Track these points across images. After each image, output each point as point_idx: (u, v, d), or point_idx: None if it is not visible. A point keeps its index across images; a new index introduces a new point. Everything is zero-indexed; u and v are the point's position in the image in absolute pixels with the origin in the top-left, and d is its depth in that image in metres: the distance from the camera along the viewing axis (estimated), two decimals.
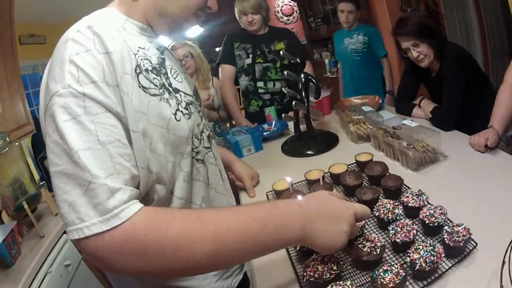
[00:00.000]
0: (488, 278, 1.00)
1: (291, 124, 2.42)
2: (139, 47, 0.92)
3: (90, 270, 1.64)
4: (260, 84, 2.94)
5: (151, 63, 0.93)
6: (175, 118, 0.93)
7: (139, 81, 0.86)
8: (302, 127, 2.24)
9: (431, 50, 2.06)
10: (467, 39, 3.15)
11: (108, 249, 0.70)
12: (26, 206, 2.08)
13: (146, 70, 0.90)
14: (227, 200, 1.24)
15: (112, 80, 0.79)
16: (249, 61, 2.91)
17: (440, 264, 1.08)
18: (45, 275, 1.90)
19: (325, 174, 1.71)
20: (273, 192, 1.67)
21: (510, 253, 0.96)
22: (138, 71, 0.87)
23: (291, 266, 1.25)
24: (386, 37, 3.58)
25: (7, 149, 2.09)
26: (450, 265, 1.09)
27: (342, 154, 1.85)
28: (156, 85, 0.91)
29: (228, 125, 3.29)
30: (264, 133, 2.51)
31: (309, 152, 2.12)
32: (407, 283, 1.07)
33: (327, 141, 2.19)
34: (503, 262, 0.95)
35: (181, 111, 0.96)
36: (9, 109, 2.44)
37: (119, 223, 0.69)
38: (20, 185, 2.14)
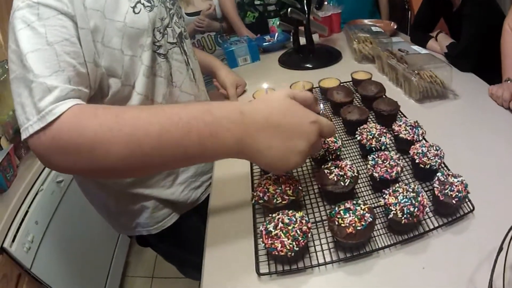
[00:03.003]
0: (479, 258, 0.71)
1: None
2: None
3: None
4: None
5: None
6: (133, 11, 0.88)
7: None
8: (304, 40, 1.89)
9: None
10: None
11: (42, 147, 0.66)
12: None
13: None
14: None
15: None
16: None
17: (423, 219, 0.78)
18: (36, 193, 1.76)
19: (314, 88, 1.39)
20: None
21: (510, 240, 0.65)
22: None
23: (250, 183, 1.00)
24: None
25: (5, 76, 1.93)
26: (437, 224, 0.78)
27: (341, 72, 1.50)
28: None
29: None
30: (264, 44, 2.18)
31: (307, 65, 1.78)
32: (376, 233, 0.77)
33: (328, 57, 1.84)
34: (500, 248, 0.63)
35: (142, 4, 0.91)
36: None
37: (51, 120, 0.64)
38: None
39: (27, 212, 1.64)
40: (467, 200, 0.81)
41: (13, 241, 1.49)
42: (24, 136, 0.67)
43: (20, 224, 1.57)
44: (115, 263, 2.37)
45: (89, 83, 0.78)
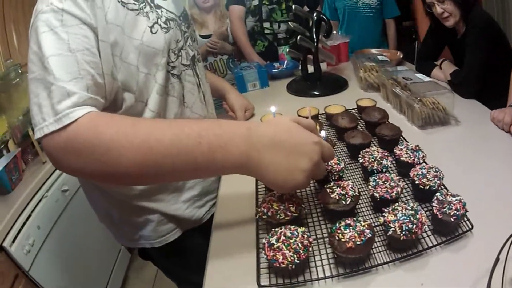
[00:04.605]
0: (477, 273, 0.72)
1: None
2: None
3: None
4: (266, 25, 2.71)
5: None
6: (151, 31, 0.92)
7: None
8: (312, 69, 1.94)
9: (457, 9, 1.71)
10: (502, 14, 2.69)
11: (56, 147, 0.69)
12: (31, 133, 1.93)
13: None
14: None
15: None
16: (255, 2, 2.66)
17: (422, 236, 0.81)
18: (40, 199, 1.81)
19: (320, 114, 1.44)
20: None
21: (508, 251, 0.68)
22: None
23: (255, 201, 1.02)
24: None
25: (18, 79, 2.01)
26: (435, 242, 0.80)
27: (347, 100, 1.55)
28: (137, 0, 0.91)
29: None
30: (273, 71, 2.24)
31: (314, 93, 1.83)
32: (376, 250, 0.80)
33: (335, 85, 1.89)
34: (497, 259, 0.66)
35: (160, 25, 0.95)
36: (24, 44, 2.40)
37: (67, 123, 0.68)
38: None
39: (30, 216, 1.68)
40: (465, 218, 0.83)
41: (13, 242, 1.51)
42: (38, 135, 0.70)
43: (22, 226, 1.60)
44: (114, 277, 2.39)
45: (105, 94, 0.81)
